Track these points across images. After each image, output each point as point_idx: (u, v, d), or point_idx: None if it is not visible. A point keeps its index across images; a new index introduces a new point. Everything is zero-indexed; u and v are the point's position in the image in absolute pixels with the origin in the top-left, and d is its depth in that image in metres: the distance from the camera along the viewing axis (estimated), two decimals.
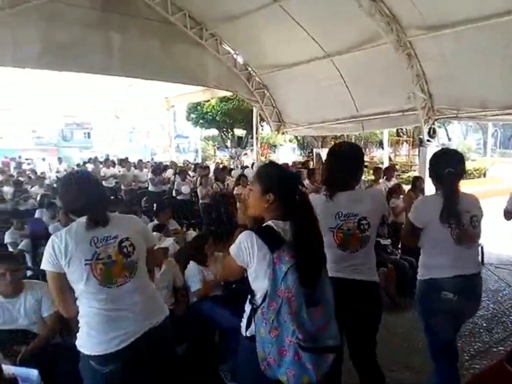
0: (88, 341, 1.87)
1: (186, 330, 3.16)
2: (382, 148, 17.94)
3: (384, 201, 2.52)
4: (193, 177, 9.91)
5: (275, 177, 1.79)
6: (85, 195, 1.92)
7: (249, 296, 1.81)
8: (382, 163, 15.80)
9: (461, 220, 2.28)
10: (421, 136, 8.45)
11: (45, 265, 1.85)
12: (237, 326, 1.89)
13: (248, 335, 1.76)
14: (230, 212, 7.28)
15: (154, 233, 3.64)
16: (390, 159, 17.61)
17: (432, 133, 8.19)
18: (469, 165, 18.29)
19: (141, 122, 35.50)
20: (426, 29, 7.08)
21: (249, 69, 10.97)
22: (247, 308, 1.82)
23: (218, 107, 17.12)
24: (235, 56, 10.66)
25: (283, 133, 11.77)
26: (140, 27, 8.96)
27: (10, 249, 4.78)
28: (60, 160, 16.60)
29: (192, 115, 18.77)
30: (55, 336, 2.81)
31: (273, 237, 1.70)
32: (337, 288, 1.86)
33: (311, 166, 11.44)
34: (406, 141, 18.57)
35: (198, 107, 17.87)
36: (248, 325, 1.77)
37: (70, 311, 1.93)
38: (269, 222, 1.77)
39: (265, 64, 10.48)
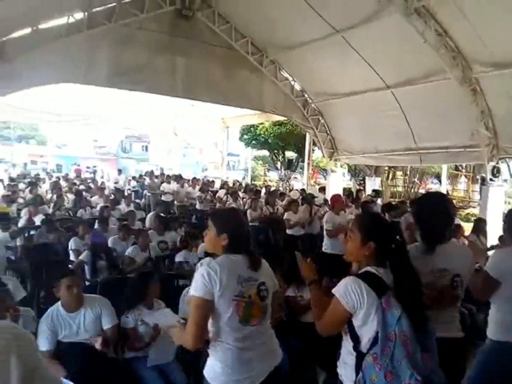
0: (220, 377, 1.91)
1: None
2: (439, 181, 17.29)
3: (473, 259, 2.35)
4: (243, 198, 10.04)
5: (375, 228, 1.88)
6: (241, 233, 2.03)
7: (351, 344, 1.81)
8: None
9: None
10: (483, 175, 8.08)
11: (196, 291, 1.86)
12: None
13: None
14: (278, 236, 7.27)
15: (207, 258, 3.71)
16: (447, 193, 16.89)
17: (495, 172, 7.80)
18: None
19: (195, 139, 36.73)
20: (493, 66, 6.84)
21: (306, 95, 11.09)
22: (349, 356, 1.82)
23: (272, 130, 17.36)
24: (292, 82, 10.83)
25: (335, 160, 11.69)
26: (204, 51, 9.36)
27: (72, 256, 5.08)
28: (119, 171, 17.47)
29: (245, 136, 19.16)
30: (108, 348, 2.93)
31: (378, 282, 1.76)
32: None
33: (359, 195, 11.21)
34: (465, 175, 17.77)
35: (252, 128, 18.21)
36: (357, 374, 1.76)
37: (199, 343, 1.89)
38: (369, 268, 1.82)
39: (321, 91, 10.55)
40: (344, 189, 14.93)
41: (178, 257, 4.95)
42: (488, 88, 7.34)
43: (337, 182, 11.78)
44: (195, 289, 1.87)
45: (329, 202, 7.20)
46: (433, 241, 2.12)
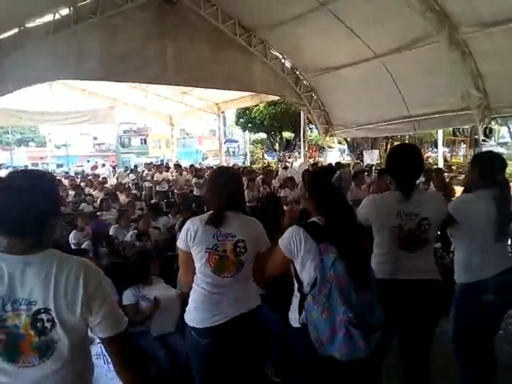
0: (193, 315, 2.16)
1: None
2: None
3: (445, 207, 2.41)
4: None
5: (313, 184, 2.13)
6: (224, 193, 2.17)
7: (296, 286, 2.02)
8: (436, 164, 15.21)
9: None
10: (476, 136, 8.09)
11: (178, 243, 2.20)
12: (278, 322, 2.01)
13: (300, 323, 1.94)
14: (277, 214, 7.38)
15: None
16: (446, 159, 16.88)
17: (488, 133, 7.82)
18: None
19: (194, 128, 36.71)
20: (480, 25, 6.79)
21: (297, 72, 11.07)
22: (295, 298, 2.02)
23: (266, 111, 17.34)
24: (282, 60, 10.80)
25: (331, 136, 11.71)
26: (192, 36, 9.33)
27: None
28: (126, 168, 17.59)
29: (241, 120, 19.16)
30: None
31: (317, 230, 1.95)
32: (398, 289, 2.12)
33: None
34: (463, 141, 17.69)
35: (247, 112, 18.20)
36: (300, 314, 1.94)
37: (188, 282, 2.23)
38: (314, 219, 2.05)
39: (312, 67, 10.52)
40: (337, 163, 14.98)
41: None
42: (476, 48, 7.29)
43: (334, 159, 11.83)
44: (178, 241, 2.21)
45: None
46: (405, 188, 2.21)
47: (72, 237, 5.37)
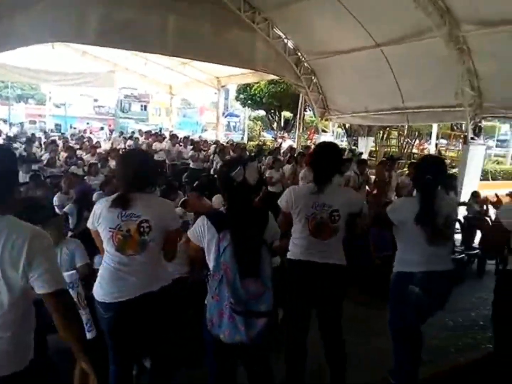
0: (98, 290, 2.30)
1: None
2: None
3: (355, 198, 2.72)
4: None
5: (219, 179, 2.26)
6: (127, 172, 2.29)
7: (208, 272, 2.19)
8: None
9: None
10: (465, 134, 8.19)
11: (88, 223, 2.34)
12: None
13: (206, 303, 2.12)
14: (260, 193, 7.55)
15: (178, 208, 3.99)
16: (439, 153, 16.95)
17: (477, 131, 7.91)
18: None
19: (196, 99, 36.34)
20: (481, 24, 6.78)
21: (298, 54, 11.00)
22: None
23: (266, 89, 17.26)
24: (285, 40, 10.72)
25: (326, 120, 11.76)
26: (195, 9, 9.22)
27: (57, 211, 5.33)
28: (121, 133, 17.59)
29: (241, 96, 19.07)
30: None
31: (220, 219, 2.10)
32: (308, 270, 2.42)
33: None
34: (459, 135, 17.70)
35: (248, 88, 18.10)
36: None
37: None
38: (221, 208, 2.24)
39: (314, 49, 10.47)
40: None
41: None
42: (475, 47, 7.28)
43: None
44: (88, 221, 2.34)
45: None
46: (322, 182, 2.51)
47: (56, 200, 5.48)
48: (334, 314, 2.61)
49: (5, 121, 24.40)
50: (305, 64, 11.12)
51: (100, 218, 2.23)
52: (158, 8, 8.88)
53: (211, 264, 2.07)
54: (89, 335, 2.55)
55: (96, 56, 14.65)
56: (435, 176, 2.50)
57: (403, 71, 8.79)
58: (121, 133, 17.76)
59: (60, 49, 13.12)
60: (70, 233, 4.66)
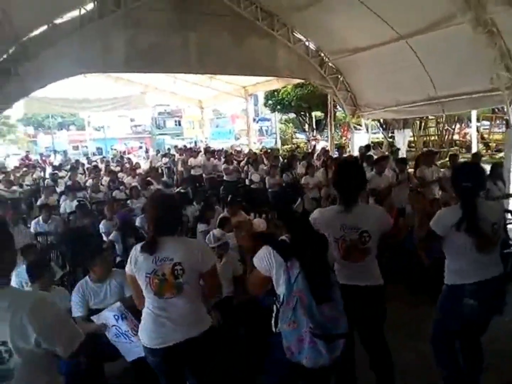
0: (142, 334, 2.38)
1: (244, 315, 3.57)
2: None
3: (386, 217, 2.64)
4: (266, 165, 10.28)
5: (276, 205, 2.35)
6: (153, 215, 2.39)
7: (275, 299, 2.20)
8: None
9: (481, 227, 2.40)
10: (507, 117, 7.81)
11: (126, 268, 2.41)
12: None
13: (277, 331, 2.14)
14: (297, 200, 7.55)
15: (216, 230, 4.10)
16: (482, 137, 16.22)
17: None
18: None
19: (226, 108, 36.81)
20: (509, 4, 6.46)
21: (322, 55, 10.94)
22: (275, 309, 2.20)
23: (294, 92, 17.26)
24: (306, 43, 10.70)
25: (358, 117, 11.59)
26: (214, 24, 9.42)
27: (105, 238, 5.59)
28: (158, 151, 18.10)
29: (270, 101, 19.16)
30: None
31: (285, 248, 2.12)
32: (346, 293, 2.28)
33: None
34: (502, 117, 16.85)
35: (275, 93, 18.16)
36: (276, 323, 2.15)
37: (139, 304, 2.45)
38: (283, 237, 2.23)
39: (337, 49, 10.36)
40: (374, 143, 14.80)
41: (200, 228, 5.30)
42: (505, 28, 6.96)
43: (361, 140, 11.71)
44: (126, 266, 2.38)
45: None
46: (348, 203, 2.47)
47: (102, 227, 5.74)
48: (376, 336, 2.61)
49: (50, 151, 25.75)
50: (330, 64, 11.03)
51: (137, 264, 2.28)
52: (179, 28, 9.14)
53: (280, 292, 2.10)
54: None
55: (129, 80, 15.25)
56: (474, 182, 2.46)
57: (432, 61, 8.52)
58: (158, 151, 18.30)
59: (92, 76, 13.74)
60: (118, 258, 4.93)
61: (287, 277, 2.03)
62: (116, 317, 2.95)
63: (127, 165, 13.54)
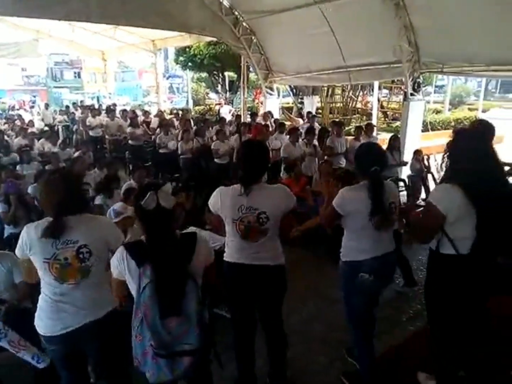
0: (38, 322, 2.16)
1: None
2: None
3: (288, 197, 2.56)
4: (177, 129, 9.82)
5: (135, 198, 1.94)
6: (52, 199, 2.05)
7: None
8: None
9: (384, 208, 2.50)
10: (405, 90, 8.34)
11: (16, 251, 2.13)
12: None
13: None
14: (211, 165, 7.39)
15: (119, 203, 3.76)
16: (382, 106, 17.34)
17: (416, 87, 8.08)
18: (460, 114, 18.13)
19: (133, 61, 34.23)
20: None
21: (236, 13, 10.49)
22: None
23: (206, 50, 16.54)
24: (220, 0, 10.14)
25: (270, 82, 11.52)
26: None
27: None
28: (46, 105, 16.22)
29: (181, 58, 18.16)
30: (24, 300, 3.05)
31: (141, 252, 1.87)
32: (240, 273, 2.46)
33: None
34: (400, 87, 18.12)
35: (187, 49, 17.24)
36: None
37: (32, 280, 2.23)
38: (142, 237, 1.95)
39: (252, 8, 10.00)
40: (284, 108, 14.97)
41: (97, 200, 4.77)
42: (410, 2, 7.27)
43: (273, 105, 11.74)
44: (16, 249, 2.12)
45: None
46: (247, 184, 2.40)
47: None
48: (273, 314, 2.67)
49: None
50: (244, 24, 10.66)
51: (32, 248, 2.04)
52: None
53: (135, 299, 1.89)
54: (41, 366, 2.49)
55: (16, 24, 13.21)
56: (380, 165, 2.51)
57: (342, 30, 8.67)
58: (47, 105, 16.15)
59: None
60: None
61: (138, 285, 1.82)
62: None
63: (18, 123, 12.10)
